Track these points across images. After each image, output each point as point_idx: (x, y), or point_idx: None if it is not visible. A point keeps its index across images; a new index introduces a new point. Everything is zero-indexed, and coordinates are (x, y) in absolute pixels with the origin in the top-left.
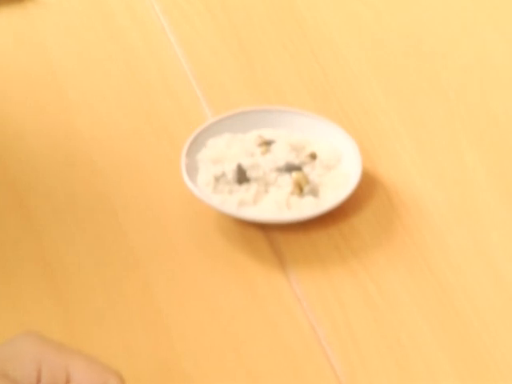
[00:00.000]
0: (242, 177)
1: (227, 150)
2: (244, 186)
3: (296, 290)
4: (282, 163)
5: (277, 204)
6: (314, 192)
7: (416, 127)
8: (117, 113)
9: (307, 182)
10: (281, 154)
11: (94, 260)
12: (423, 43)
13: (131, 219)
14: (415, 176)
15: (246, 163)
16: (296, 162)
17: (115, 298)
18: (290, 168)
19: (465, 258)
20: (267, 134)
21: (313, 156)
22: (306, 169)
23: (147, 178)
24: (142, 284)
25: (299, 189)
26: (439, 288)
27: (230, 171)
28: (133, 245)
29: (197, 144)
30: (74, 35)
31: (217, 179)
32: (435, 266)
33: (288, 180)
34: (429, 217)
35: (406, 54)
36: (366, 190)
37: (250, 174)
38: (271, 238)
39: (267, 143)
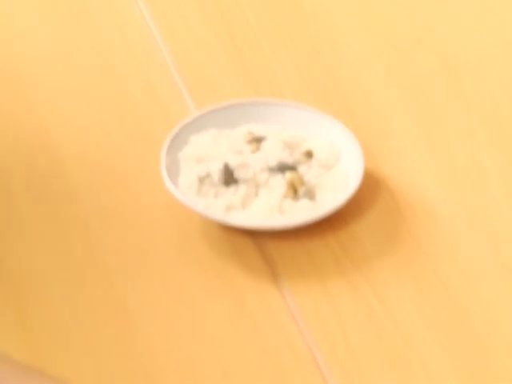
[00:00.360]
0: (229, 178)
1: (212, 147)
2: (231, 189)
3: (290, 305)
4: (274, 162)
5: (268, 208)
6: (310, 195)
7: (426, 122)
8: (87, 107)
9: (302, 183)
10: (273, 152)
11: (60, 276)
12: (435, 31)
13: (104, 228)
14: (424, 177)
15: (233, 162)
16: (290, 160)
17: (85, 316)
18: (283, 168)
19: (481, 269)
20: (257, 129)
21: (309, 154)
22: (301, 169)
23: (121, 181)
24: (116, 300)
25: (293, 191)
26: (452, 303)
27: (216, 171)
28: (106, 257)
29: (178, 141)
30: (38, 21)
31: (201, 180)
32: (447, 279)
33: (281, 181)
34: (440, 223)
35: (416, 42)
36: (369, 192)
37: (238, 174)
38: (262, 246)
39: (257, 140)
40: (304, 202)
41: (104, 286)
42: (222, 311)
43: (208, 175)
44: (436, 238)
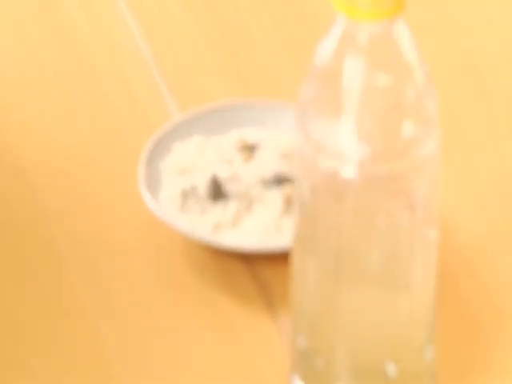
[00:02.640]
0: (217, 192)
1: (198, 156)
2: (220, 204)
3: (288, 341)
4: (269, 174)
5: (263, 227)
6: None
7: (450, 141)
8: (54, 110)
9: None
10: (268, 162)
11: (22, 307)
12: (455, 27)
13: (73, 250)
14: (449, 205)
15: (222, 174)
16: (288, 172)
17: (51, 356)
18: (280, 180)
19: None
20: (250, 135)
21: None
22: None
23: (93, 195)
24: (87, 330)
25: (292, 207)
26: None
27: (203, 184)
28: (75, 284)
29: (159, 149)
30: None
31: (185, 195)
32: (474, 312)
33: (277, 196)
34: (460, 244)
35: (434, 39)
36: None
37: (227, 187)
38: (256, 271)
39: (250, 148)
40: None
41: (73, 314)
42: (209, 347)
43: (193, 189)
44: (454, 258)
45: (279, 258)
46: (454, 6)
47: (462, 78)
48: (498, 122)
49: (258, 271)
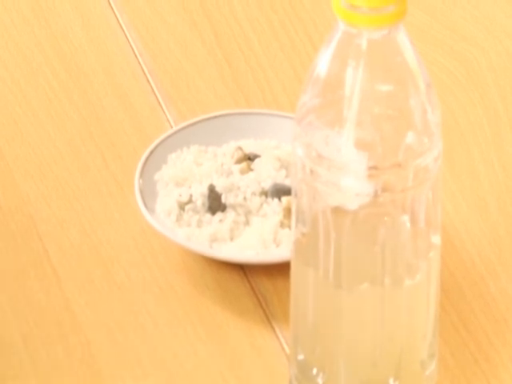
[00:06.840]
0: (214, 203)
1: (195, 167)
2: (218, 216)
3: (287, 352)
4: (268, 185)
5: (261, 239)
6: None
7: (452, 149)
8: (45, 121)
9: None
10: (267, 173)
11: (16, 319)
12: (455, 33)
13: (67, 261)
14: (451, 215)
15: (220, 185)
16: (287, 182)
17: (45, 369)
18: (279, 191)
19: None
20: (248, 145)
21: None
22: None
23: (88, 207)
24: (82, 349)
25: (291, 219)
26: None
27: (199, 196)
28: (70, 296)
29: (155, 160)
30: None
31: (181, 207)
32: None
33: (276, 207)
34: (465, 257)
35: (434, 44)
36: None
37: (225, 199)
38: (254, 283)
39: (249, 158)
40: None
41: (68, 325)
42: (207, 359)
43: (190, 200)
44: (457, 270)
45: (278, 270)
46: (456, 13)
47: (464, 86)
48: (500, 129)
49: (256, 283)
